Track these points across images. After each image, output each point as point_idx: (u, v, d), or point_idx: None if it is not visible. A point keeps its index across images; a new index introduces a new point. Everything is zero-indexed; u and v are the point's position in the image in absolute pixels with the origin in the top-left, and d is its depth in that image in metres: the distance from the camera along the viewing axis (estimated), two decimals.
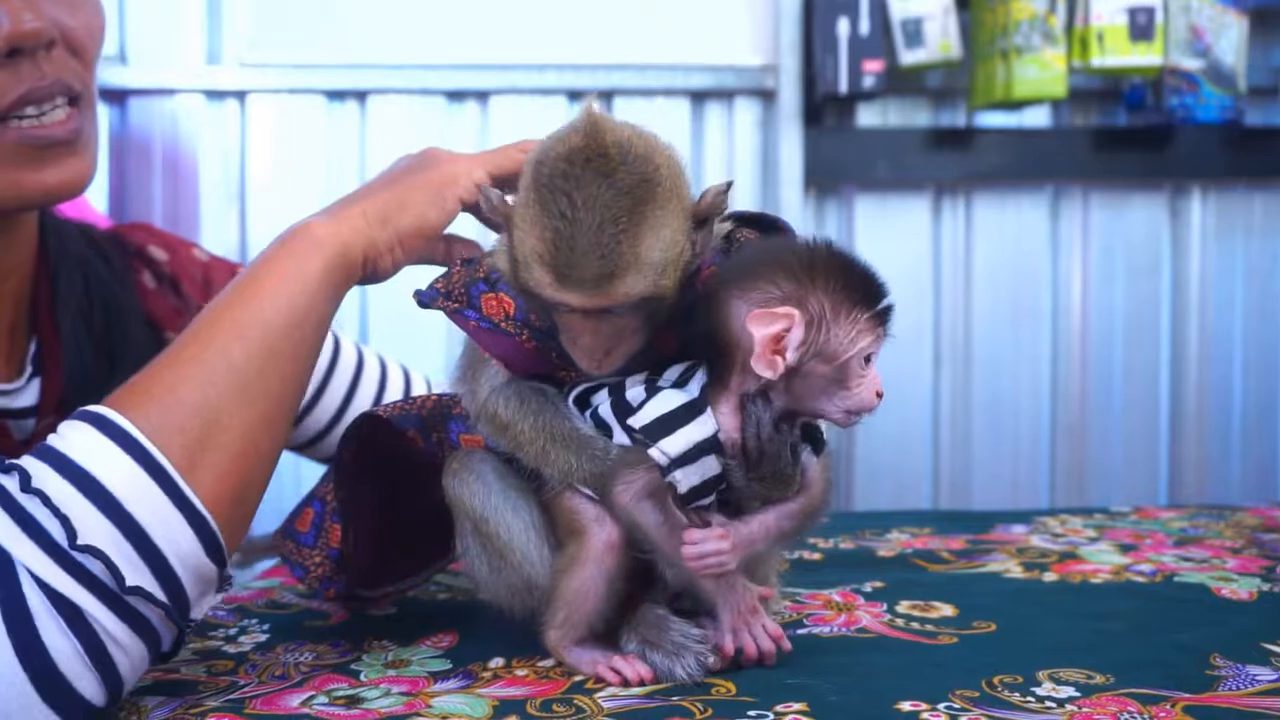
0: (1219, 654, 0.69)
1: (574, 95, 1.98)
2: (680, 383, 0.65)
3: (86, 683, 0.59)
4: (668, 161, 0.63)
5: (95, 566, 0.59)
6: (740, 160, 2.00)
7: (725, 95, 2.00)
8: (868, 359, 0.63)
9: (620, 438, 0.66)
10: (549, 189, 0.61)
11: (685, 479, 0.63)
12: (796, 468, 0.66)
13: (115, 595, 0.59)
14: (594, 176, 0.60)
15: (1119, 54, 1.82)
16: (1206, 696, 0.63)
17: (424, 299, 0.70)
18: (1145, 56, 1.83)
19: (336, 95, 1.96)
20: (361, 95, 1.96)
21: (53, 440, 0.62)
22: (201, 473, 0.63)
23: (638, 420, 0.64)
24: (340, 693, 0.65)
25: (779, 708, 0.61)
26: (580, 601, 0.66)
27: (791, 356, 0.61)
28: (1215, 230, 2.05)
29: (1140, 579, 0.89)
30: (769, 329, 0.61)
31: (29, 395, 0.82)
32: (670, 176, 0.63)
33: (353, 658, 0.72)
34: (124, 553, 0.59)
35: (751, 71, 1.98)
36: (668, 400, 0.64)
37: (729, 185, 0.65)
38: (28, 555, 0.58)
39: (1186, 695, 0.63)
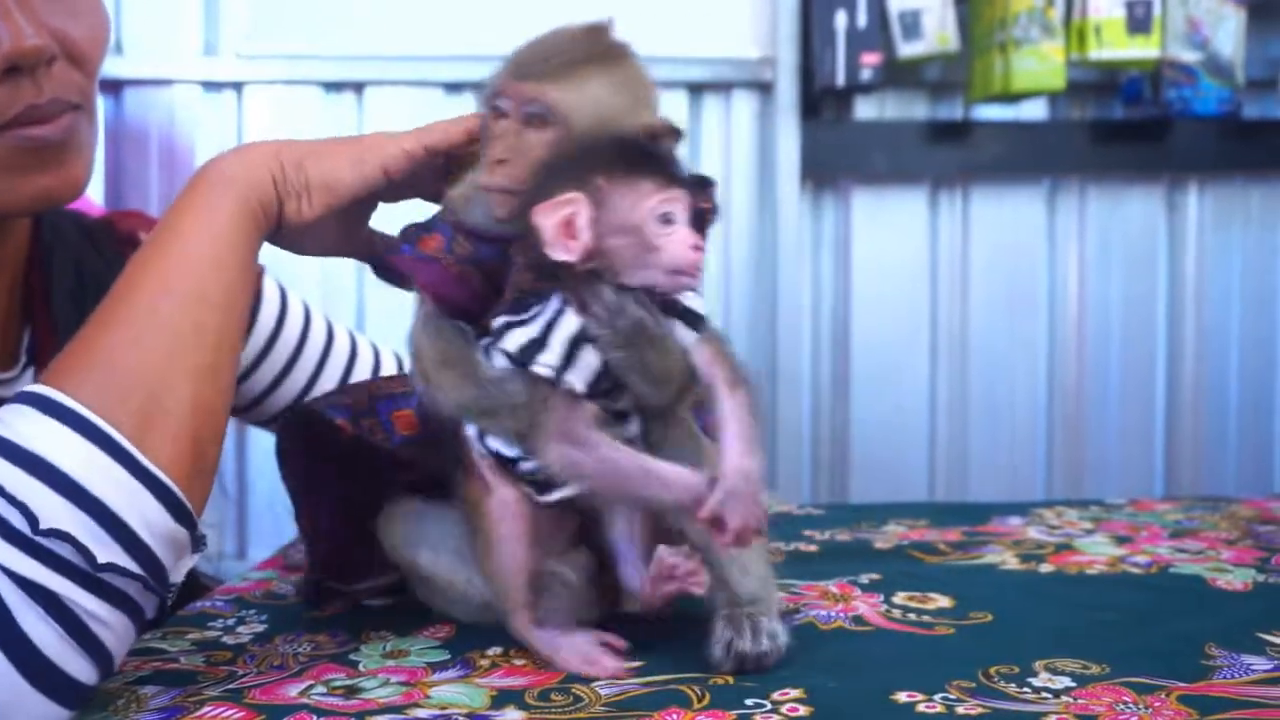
0: (1214, 644, 0.70)
1: None
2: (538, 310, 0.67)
3: (75, 665, 0.59)
4: (642, 80, 0.69)
5: (64, 549, 0.58)
6: (737, 153, 2.00)
7: (722, 88, 2.00)
8: (664, 219, 0.64)
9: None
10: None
11: (578, 379, 0.64)
12: (673, 343, 0.65)
13: (88, 575, 0.59)
14: (581, 33, 0.69)
15: (1116, 47, 1.83)
16: (1202, 685, 0.63)
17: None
18: (1143, 49, 1.83)
19: (334, 87, 1.96)
20: (359, 87, 1.96)
21: None
22: (154, 438, 0.62)
23: (510, 345, 0.65)
24: (338, 683, 0.65)
25: (776, 695, 0.61)
26: (511, 575, 0.67)
27: (585, 235, 0.63)
28: (1212, 223, 2.06)
29: (1136, 570, 0.90)
30: (554, 217, 0.63)
31: (23, 385, 0.81)
32: (640, 82, 0.69)
33: (351, 648, 0.72)
34: (90, 531, 0.58)
35: (749, 64, 1.98)
36: (531, 324, 0.66)
37: (678, 131, 0.68)
38: None
39: (1182, 684, 0.63)
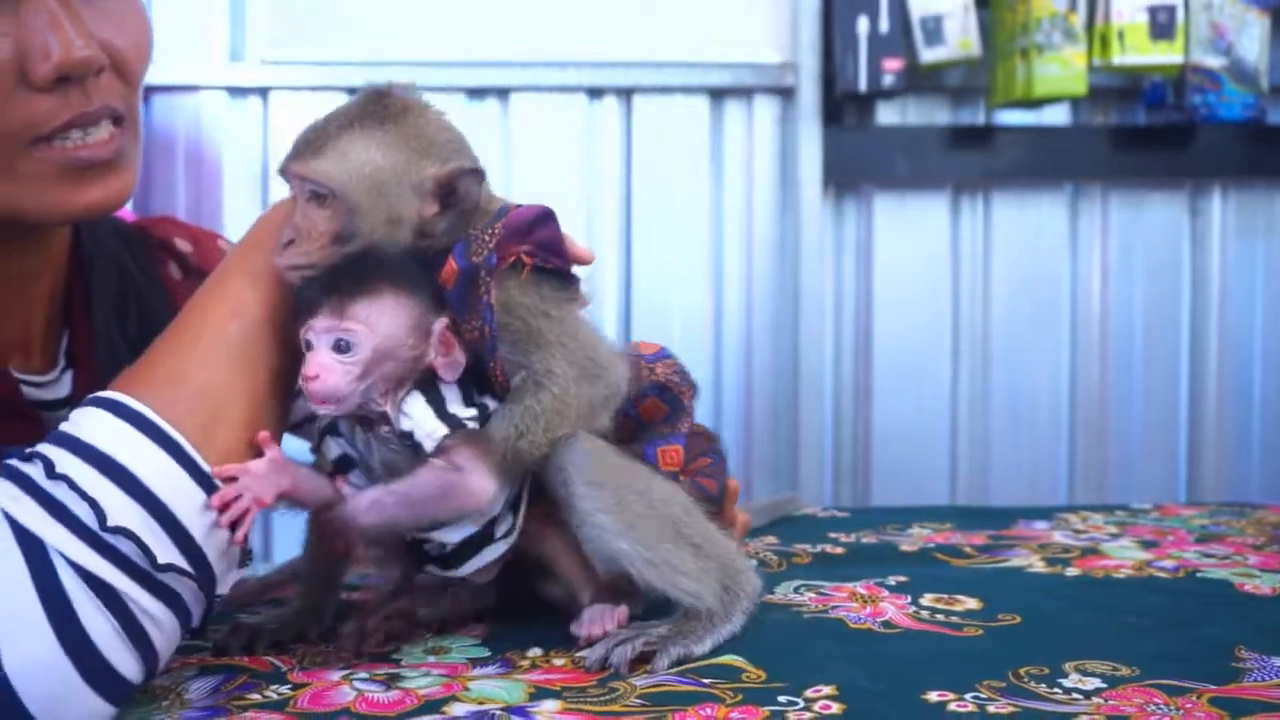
0: (1244, 647, 0.70)
1: (594, 92, 1.99)
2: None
3: (125, 661, 0.60)
4: (423, 133, 0.69)
5: (126, 547, 0.60)
6: (759, 158, 2.01)
7: (744, 93, 2.01)
8: (307, 346, 0.67)
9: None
10: None
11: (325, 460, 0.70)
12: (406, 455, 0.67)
13: (147, 574, 0.61)
14: (355, 101, 0.71)
15: (1139, 52, 1.82)
16: (1232, 688, 0.63)
17: None
18: (1166, 55, 1.83)
19: (357, 92, 1.97)
20: None
21: (68, 427, 0.63)
22: (216, 448, 0.64)
23: None
24: (380, 672, 0.67)
25: (809, 693, 0.62)
26: None
27: None
28: (1235, 229, 2.05)
29: (1163, 575, 0.90)
30: None
31: (62, 387, 0.83)
32: (420, 134, 0.69)
33: (392, 648, 0.73)
34: (152, 531, 0.60)
35: (771, 69, 1.99)
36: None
37: (475, 171, 0.69)
38: (60, 540, 0.59)
39: (1213, 687, 0.63)
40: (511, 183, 1.96)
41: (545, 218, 0.71)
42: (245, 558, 0.67)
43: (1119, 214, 2.05)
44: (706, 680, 0.64)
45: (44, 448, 0.62)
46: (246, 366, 0.67)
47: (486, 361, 0.69)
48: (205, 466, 0.63)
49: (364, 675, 0.66)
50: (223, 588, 0.65)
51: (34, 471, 0.61)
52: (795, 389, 1.97)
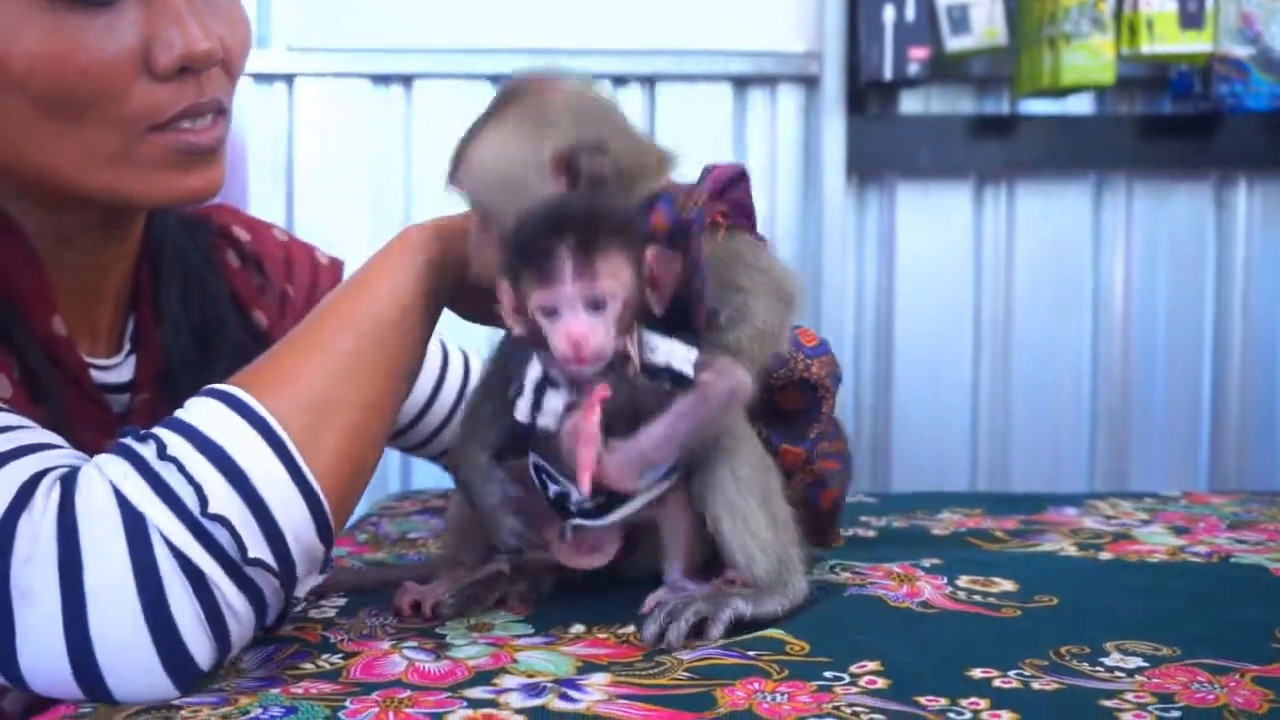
0: None
1: (617, 80, 1.99)
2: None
3: (201, 648, 0.62)
4: (542, 115, 0.71)
5: (222, 536, 0.61)
6: (782, 147, 2.01)
7: (768, 81, 2.00)
8: (547, 312, 0.67)
9: None
10: None
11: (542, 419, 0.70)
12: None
13: (237, 565, 0.62)
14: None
15: (1169, 41, 1.82)
16: (1275, 668, 0.64)
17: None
18: (1195, 44, 1.82)
19: (382, 79, 1.98)
20: (407, 79, 1.98)
21: (183, 414, 0.65)
22: (318, 453, 0.65)
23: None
24: (429, 641, 0.68)
25: (854, 668, 0.63)
26: None
27: (513, 318, 0.69)
28: (1262, 220, 2.04)
29: (1197, 559, 0.90)
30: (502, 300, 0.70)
31: (125, 371, 0.85)
32: (539, 117, 0.70)
33: (436, 623, 0.74)
34: (248, 524, 0.62)
35: (795, 58, 1.98)
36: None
37: (599, 147, 0.70)
38: (162, 520, 0.61)
39: (1255, 667, 0.64)
40: None
41: (740, 178, 0.75)
42: (327, 564, 0.68)
43: (1143, 204, 2.04)
44: (752, 653, 0.65)
45: (159, 430, 0.64)
46: (359, 374, 0.69)
47: (690, 310, 0.71)
48: (305, 468, 0.65)
49: (413, 645, 0.67)
50: (300, 590, 0.66)
51: (146, 451, 0.63)
52: None
